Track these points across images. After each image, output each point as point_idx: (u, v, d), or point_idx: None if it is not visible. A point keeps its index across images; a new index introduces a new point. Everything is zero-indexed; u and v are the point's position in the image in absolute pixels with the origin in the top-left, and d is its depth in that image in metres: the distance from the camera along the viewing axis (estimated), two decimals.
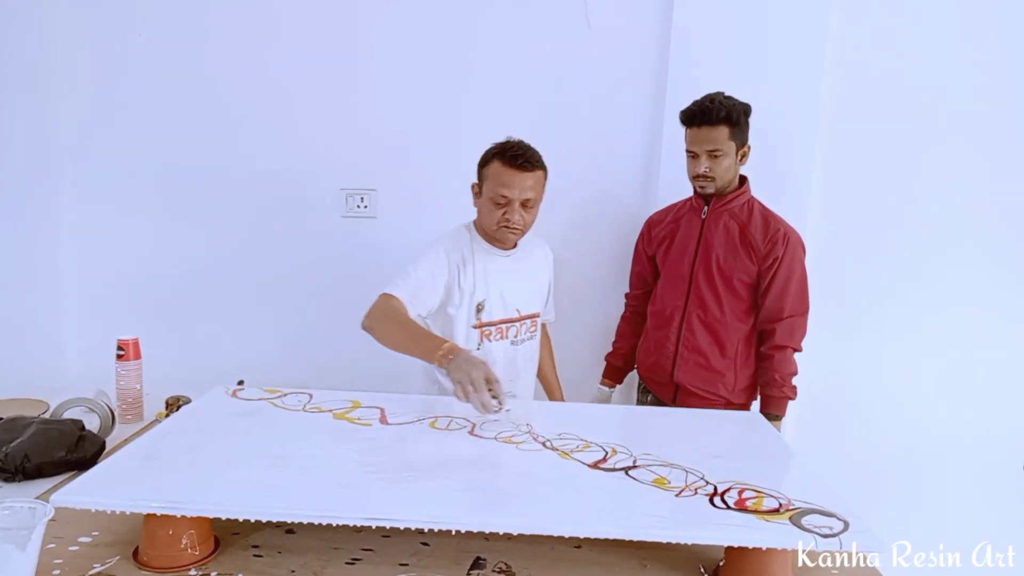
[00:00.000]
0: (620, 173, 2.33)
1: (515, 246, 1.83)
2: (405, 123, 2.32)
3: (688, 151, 1.88)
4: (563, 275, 2.12)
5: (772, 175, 1.98)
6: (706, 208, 1.92)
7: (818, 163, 2.22)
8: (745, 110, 1.83)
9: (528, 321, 1.87)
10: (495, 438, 1.35)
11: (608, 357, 2.21)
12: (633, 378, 2.22)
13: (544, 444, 1.33)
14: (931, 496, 2.37)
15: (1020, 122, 2.21)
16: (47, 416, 1.50)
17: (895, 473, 2.38)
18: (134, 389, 1.69)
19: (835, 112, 2.21)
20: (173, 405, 1.67)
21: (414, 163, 2.33)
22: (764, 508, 1.09)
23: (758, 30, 2.15)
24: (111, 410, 1.53)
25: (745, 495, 1.13)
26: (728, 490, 1.15)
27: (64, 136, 2.36)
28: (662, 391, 2.03)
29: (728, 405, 1.92)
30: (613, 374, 2.20)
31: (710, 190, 1.88)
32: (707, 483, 1.18)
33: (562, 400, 2.06)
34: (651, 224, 2.09)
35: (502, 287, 1.80)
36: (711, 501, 1.11)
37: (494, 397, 1.40)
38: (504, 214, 1.71)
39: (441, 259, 1.73)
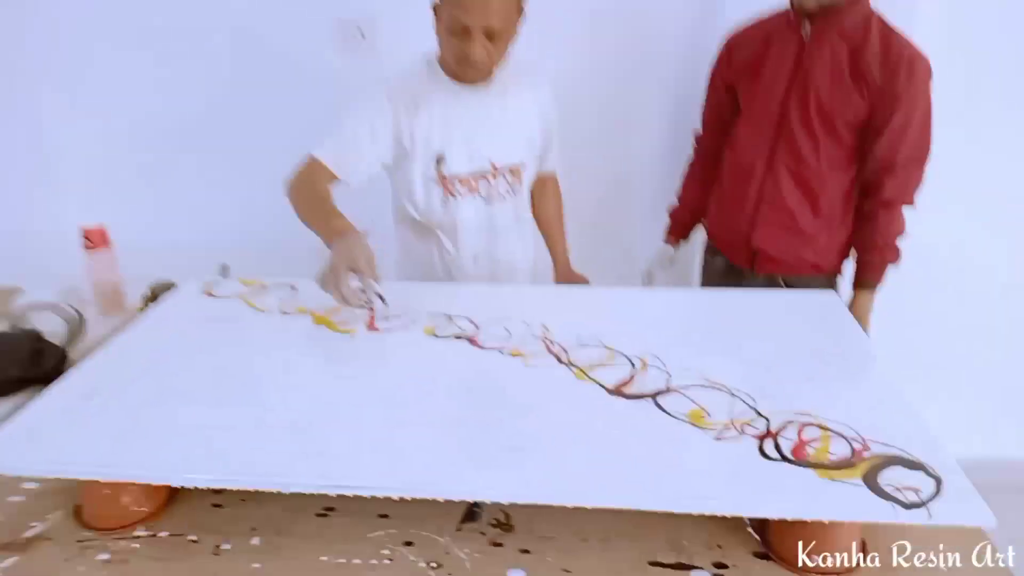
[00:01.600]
0: None
1: (489, 81, 1.45)
2: None
3: None
4: (580, 113, 1.75)
5: None
6: (808, 27, 1.48)
7: None
8: None
9: (508, 175, 1.53)
10: (500, 350, 1.13)
11: (672, 212, 1.85)
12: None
13: (559, 357, 1.10)
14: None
15: None
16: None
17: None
18: (110, 280, 1.51)
19: None
20: (154, 294, 1.50)
21: None
22: (830, 459, 0.85)
23: None
24: (79, 312, 1.37)
25: (806, 436, 0.89)
26: (784, 429, 0.91)
27: None
28: (736, 255, 1.70)
29: (815, 270, 1.62)
30: (678, 230, 1.85)
31: (810, 4, 1.43)
32: (759, 415, 0.94)
33: (565, 255, 1.70)
34: (732, 47, 1.63)
35: (468, 133, 1.45)
36: (761, 448, 0.87)
37: (363, 291, 1.19)
38: (462, 46, 1.33)
39: (383, 106, 1.40)
